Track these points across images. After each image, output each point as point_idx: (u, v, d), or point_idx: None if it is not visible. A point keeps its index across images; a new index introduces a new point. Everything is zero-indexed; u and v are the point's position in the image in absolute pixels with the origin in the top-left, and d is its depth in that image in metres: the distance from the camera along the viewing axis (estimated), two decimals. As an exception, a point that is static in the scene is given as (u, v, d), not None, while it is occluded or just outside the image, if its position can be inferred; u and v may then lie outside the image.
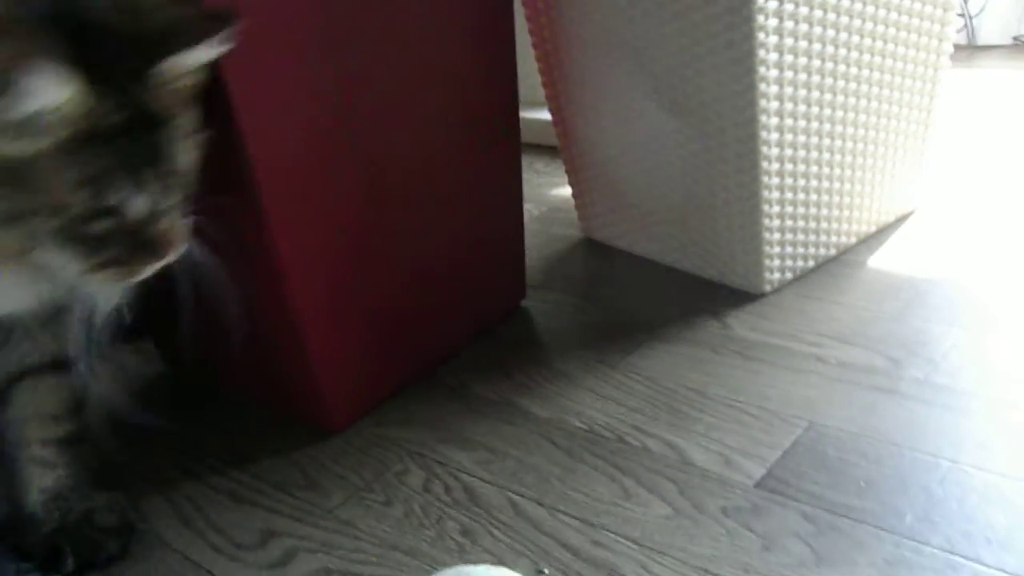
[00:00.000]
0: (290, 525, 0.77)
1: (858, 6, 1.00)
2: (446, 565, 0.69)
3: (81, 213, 0.53)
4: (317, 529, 0.76)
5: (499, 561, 0.69)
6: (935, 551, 0.66)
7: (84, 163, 0.52)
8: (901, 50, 1.07)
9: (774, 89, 0.95)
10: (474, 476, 0.80)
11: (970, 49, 1.90)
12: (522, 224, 1.07)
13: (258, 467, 0.85)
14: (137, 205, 0.55)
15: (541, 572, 0.68)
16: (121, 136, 0.53)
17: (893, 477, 0.74)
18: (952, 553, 0.66)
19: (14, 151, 0.51)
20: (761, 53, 0.92)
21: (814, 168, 1.04)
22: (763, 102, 0.95)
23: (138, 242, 0.57)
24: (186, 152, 0.58)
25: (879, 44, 1.04)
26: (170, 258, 0.60)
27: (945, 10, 1.10)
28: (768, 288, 1.06)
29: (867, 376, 0.88)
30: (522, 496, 0.77)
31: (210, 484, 0.83)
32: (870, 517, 0.70)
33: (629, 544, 0.70)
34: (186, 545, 0.75)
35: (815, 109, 1.01)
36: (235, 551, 0.74)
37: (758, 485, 0.75)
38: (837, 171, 1.07)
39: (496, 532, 0.73)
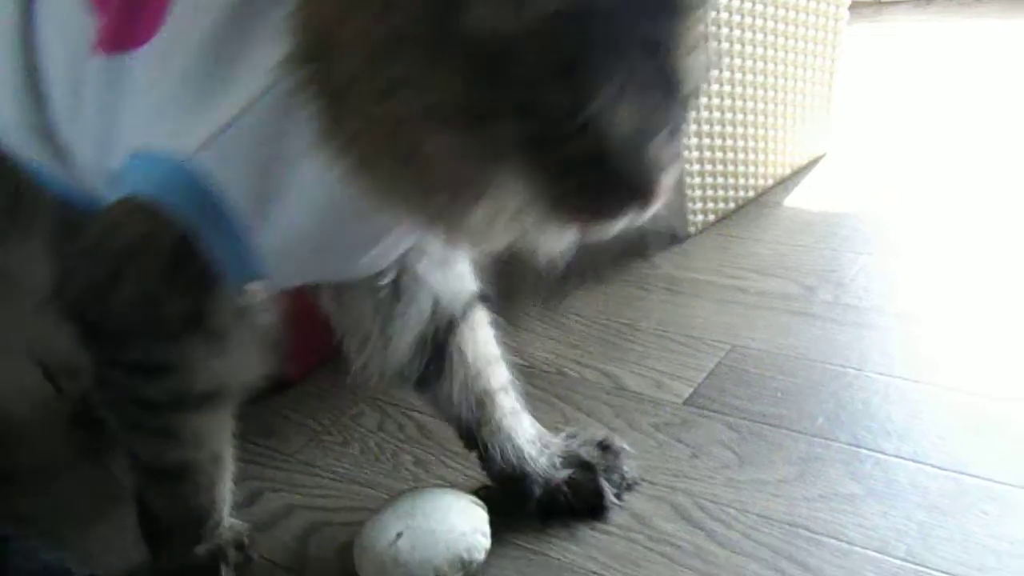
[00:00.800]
0: (254, 469, 0.81)
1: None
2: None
3: (556, 119, 0.41)
4: (280, 471, 0.81)
5: (451, 486, 0.74)
6: (843, 445, 0.74)
7: (571, 45, 0.40)
8: (803, 3, 1.15)
9: (688, 41, 1.01)
10: (425, 414, 0.85)
11: (877, 5, 2.00)
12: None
13: (217, 421, 0.88)
14: (621, 116, 0.42)
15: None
16: (620, 21, 0.41)
17: (806, 387, 0.82)
18: (857, 447, 0.74)
19: (497, 24, 0.40)
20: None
21: (728, 116, 1.11)
22: (678, 54, 1.01)
23: (613, 175, 0.43)
24: (696, 75, 0.45)
25: (783, -2, 1.12)
26: (649, 211, 0.46)
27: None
28: (692, 230, 1.13)
29: (783, 302, 0.96)
30: (471, 428, 0.83)
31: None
32: (786, 422, 0.78)
33: (571, 462, 0.76)
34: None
35: (726, 60, 1.07)
36: (201, 497, 0.78)
37: (686, 403, 0.82)
38: (751, 118, 1.14)
39: (448, 461, 0.79)
